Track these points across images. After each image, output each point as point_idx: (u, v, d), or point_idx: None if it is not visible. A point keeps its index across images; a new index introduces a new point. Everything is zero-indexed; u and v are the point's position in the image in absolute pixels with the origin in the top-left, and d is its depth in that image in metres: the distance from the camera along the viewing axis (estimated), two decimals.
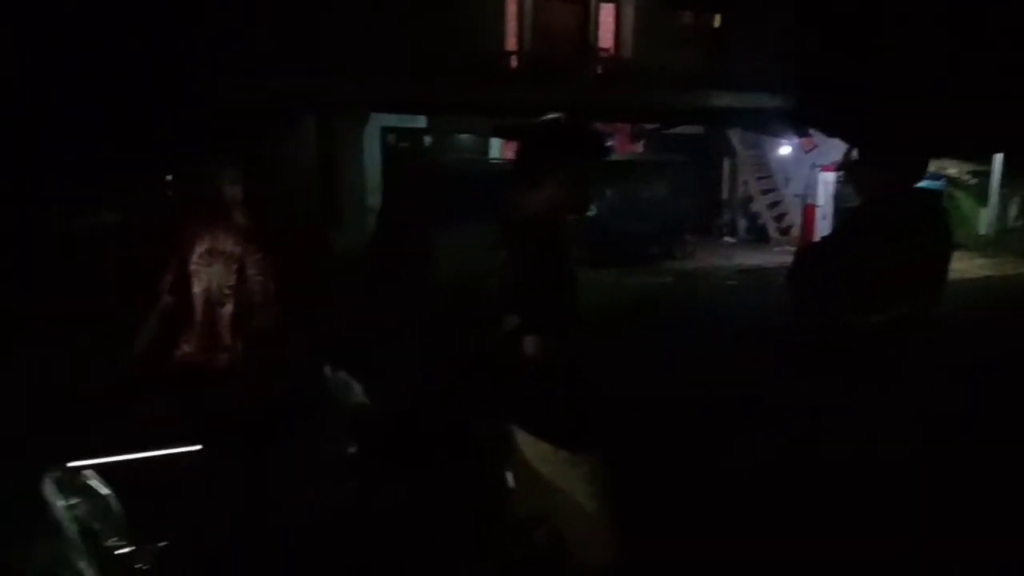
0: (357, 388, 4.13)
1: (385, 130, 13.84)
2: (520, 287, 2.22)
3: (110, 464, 2.33)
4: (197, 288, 3.04)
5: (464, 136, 15.76)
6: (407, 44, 10.86)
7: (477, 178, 12.89)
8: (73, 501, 2.23)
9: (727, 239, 16.07)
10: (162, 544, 2.25)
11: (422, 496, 3.83)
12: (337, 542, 3.46)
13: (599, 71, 14.05)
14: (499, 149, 15.60)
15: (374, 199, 12.92)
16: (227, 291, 3.05)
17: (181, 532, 2.31)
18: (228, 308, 3.03)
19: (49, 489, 2.27)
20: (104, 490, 2.26)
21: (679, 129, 16.14)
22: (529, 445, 2.34)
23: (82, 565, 2.18)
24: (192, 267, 3.06)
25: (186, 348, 2.94)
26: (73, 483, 2.27)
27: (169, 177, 10.30)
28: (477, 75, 11.67)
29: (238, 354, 3.04)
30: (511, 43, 13.58)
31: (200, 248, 3.08)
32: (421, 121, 14.34)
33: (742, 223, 16.22)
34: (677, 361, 6.28)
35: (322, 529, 3.64)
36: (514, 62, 13.47)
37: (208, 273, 3.06)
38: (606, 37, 14.20)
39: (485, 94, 11.91)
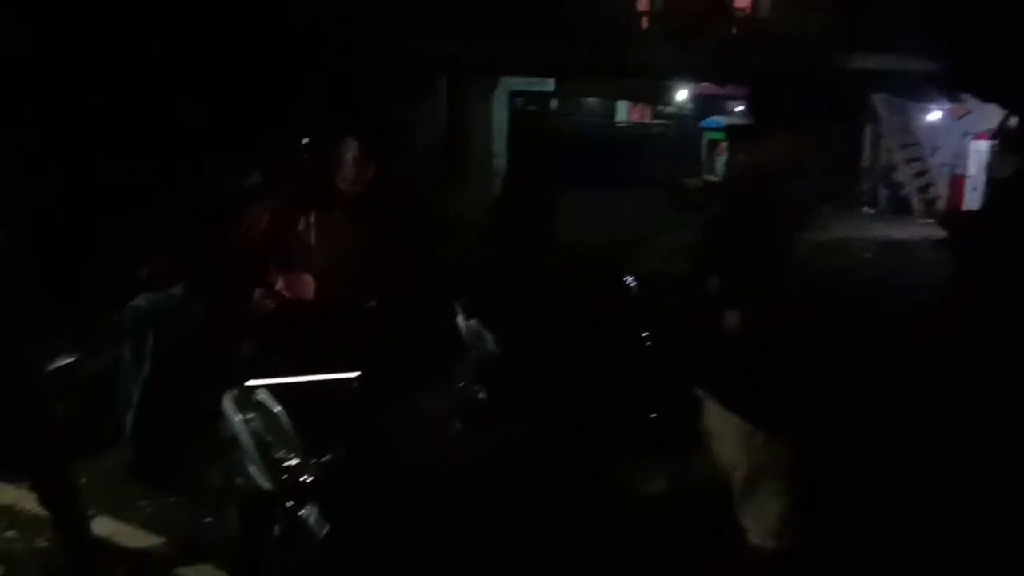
0: (489, 337, 4.32)
1: (513, 94, 13.98)
2: (727, 250, 2.12)
3: (281, 385, 2.57)
4: (327, 245, 3.25)
5: (591, 99, 15.69)
6: (541, 4, 10.87)
7: (604, 141, 12.87)
8: (249, 416, 2.51)
9: (866, 210, 15.34)
10: (324, 459, 2.47)
11: (556, 447, 3.91)
12: (470, 485, 3.65)
13: (734, 31, 13.61)
14: (626, 112, 15.46)
15: (499, 163, 13.13)
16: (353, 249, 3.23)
17: (341, 451, 2.53)
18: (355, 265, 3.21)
19: (228, 405, 2.55)
20: (275, 408, 2.51)
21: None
22: (717, 417, 2.28)
23: (254, 472, 2.46)
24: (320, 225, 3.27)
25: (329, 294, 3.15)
26: (249, 400, 2.54)
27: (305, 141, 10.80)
28: (608, 36, 11.56)
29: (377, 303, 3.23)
30: (642, 2, 13.34)
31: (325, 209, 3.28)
32: (548, 85, 14.37)
33: (883, 193, 15.43)
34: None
35: (456, 472, 3.85)
36: (645, 22, 13.24)
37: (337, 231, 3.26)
38: None
39: (616, 56, 11.79)
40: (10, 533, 3.44)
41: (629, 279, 4.11)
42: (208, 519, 3.50)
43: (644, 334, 3.89)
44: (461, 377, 4.39)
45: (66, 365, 4.02)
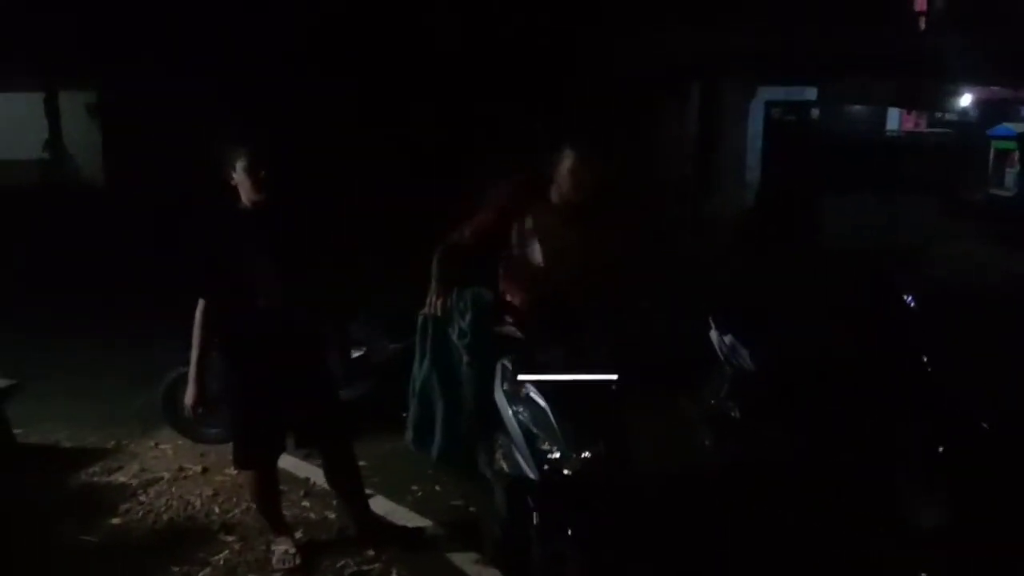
0: (744, 353, 4.20)
1: (769, 104, 13.46)
2: None
3: (549, 382, 2.72)
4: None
5: (856, 108, 14.69)
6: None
7: (871, 152, 11.99)
8: (518, 409, 2.69)
9: None
10: (585, 455, 2.58)
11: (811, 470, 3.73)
12: (715, 499, 3.59)
13: None
14: (898, 121, 14.28)
15: (752, 174, 12.71)
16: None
17: (602, 449, 2.62)
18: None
19: (500, 398, 2.76)
20: (542, 402, 2.66)
21: None
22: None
23: (521, 461, 2.63)
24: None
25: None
26: (519, 394, 2.72)
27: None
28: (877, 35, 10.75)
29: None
30: (919, 3, 12.29)
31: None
32: (809, 94, 13.66)
33: None
34: None
35: (700, 484, 3.81)
36: (922, 24, 12.17)
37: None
38: None
39: (892, 59, 10.92)
40: (306, 503, 3.94)
41: (908, 296, 3.82)
42: (471, 508, 3.79)
43: (924, 357, 3.59)
44: (713, 392, 4.33)
45: (359, 356, 4.56)
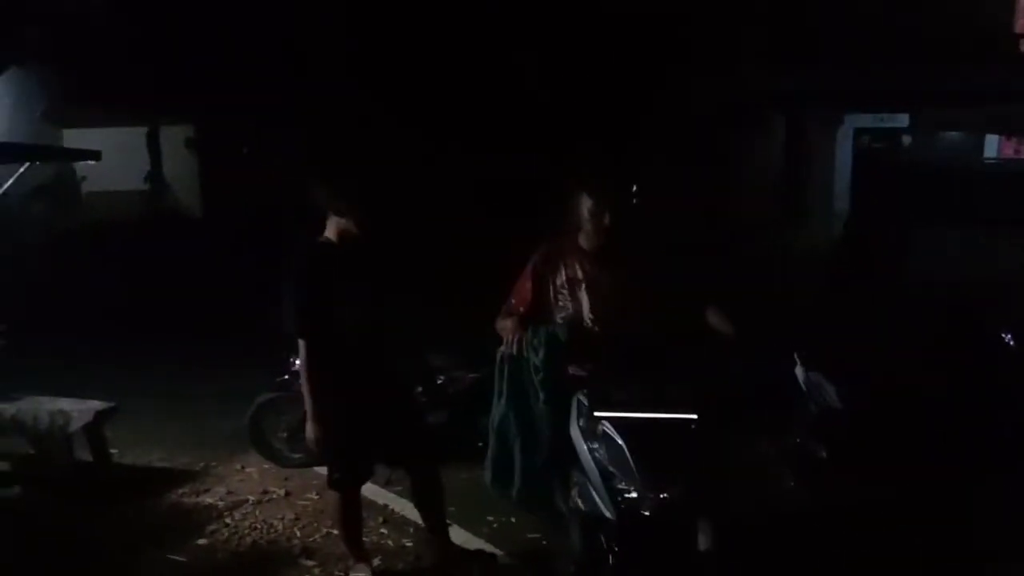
0: (831, 390, 4.07)
1: (859, 131, 13.11)
2: None
3: (625, 419, 2.69)
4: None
5: (951, 135, 14.13)
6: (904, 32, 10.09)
7: (967, 180, 11.49)
8: (594, 446, 2.66)
9: None
10: (664, 496, 2.53)
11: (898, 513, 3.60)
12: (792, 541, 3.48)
13: None
14: (996, 147, 13.64)
15: (840, 203, 12.38)
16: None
17: (679, 490, 2.57)
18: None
19: (576, 433, 2.74)
20: (619, 440, 2.63)
21: None
22: None
23: (597, 499, 2.60)
24: None
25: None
26: (595, 431, 2.70)
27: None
28: (980, 62, 10.34)
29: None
30: (1020, 24, 11.75)
31: None
32: (900, 120, 13.23)
33: None
34: None
35: (779, 525, 3.69)
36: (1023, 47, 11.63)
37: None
38: None
39: (989, 83, 10.50)
40: (383, 530, 3.99)
41: (1007, 335, 3.64)
42: (544, 542, 3.76)
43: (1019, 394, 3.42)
44: (798, 430, 4.20)
45: (438, 384, 4.62)
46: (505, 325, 3.47)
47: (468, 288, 5.34)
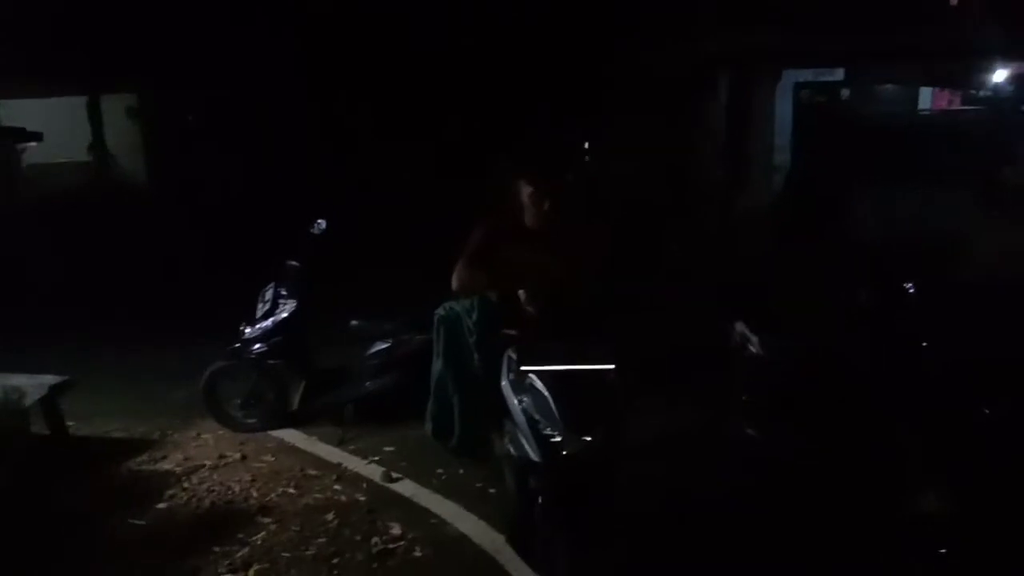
0: (754, 340, 4.32)
1: (798, 85, 13.36)
2: None
3: (549, 372, 2.92)
4: None
5: (887, 87, 14.47)
6: None
7: (903, 132, 11.83)
8: (523, 397, 2.89)
9: None
10: (585, 438, 2.77)
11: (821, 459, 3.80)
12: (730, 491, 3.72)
13: None
14: (930, 99, 14.05)
15: (781, 158, 12.66)
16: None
17: (599, 433, 2.81)
18: None
19: (506, 388, 2.96)
20: (544, 391, 2.86)
21: None
22: None
23: (526, 445, 2.83)
24: None
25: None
26: (523, 384, 2.92)
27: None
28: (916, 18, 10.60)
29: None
30: None
31: None
32: (838, 75, 13.52)
33: None
34: None
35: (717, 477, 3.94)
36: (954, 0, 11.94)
37: None
38: None
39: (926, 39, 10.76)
40: (337, 487, 4.20)
41: (908, 284, 3.90)
42: (491, 490, 4.00)
43: (923, 343, 3.68)
44: (728, 381, 4.46)
45: (384, 348, 4.80)
46: (469, 274, 3.56)
47: (417, 255, 5.49)
